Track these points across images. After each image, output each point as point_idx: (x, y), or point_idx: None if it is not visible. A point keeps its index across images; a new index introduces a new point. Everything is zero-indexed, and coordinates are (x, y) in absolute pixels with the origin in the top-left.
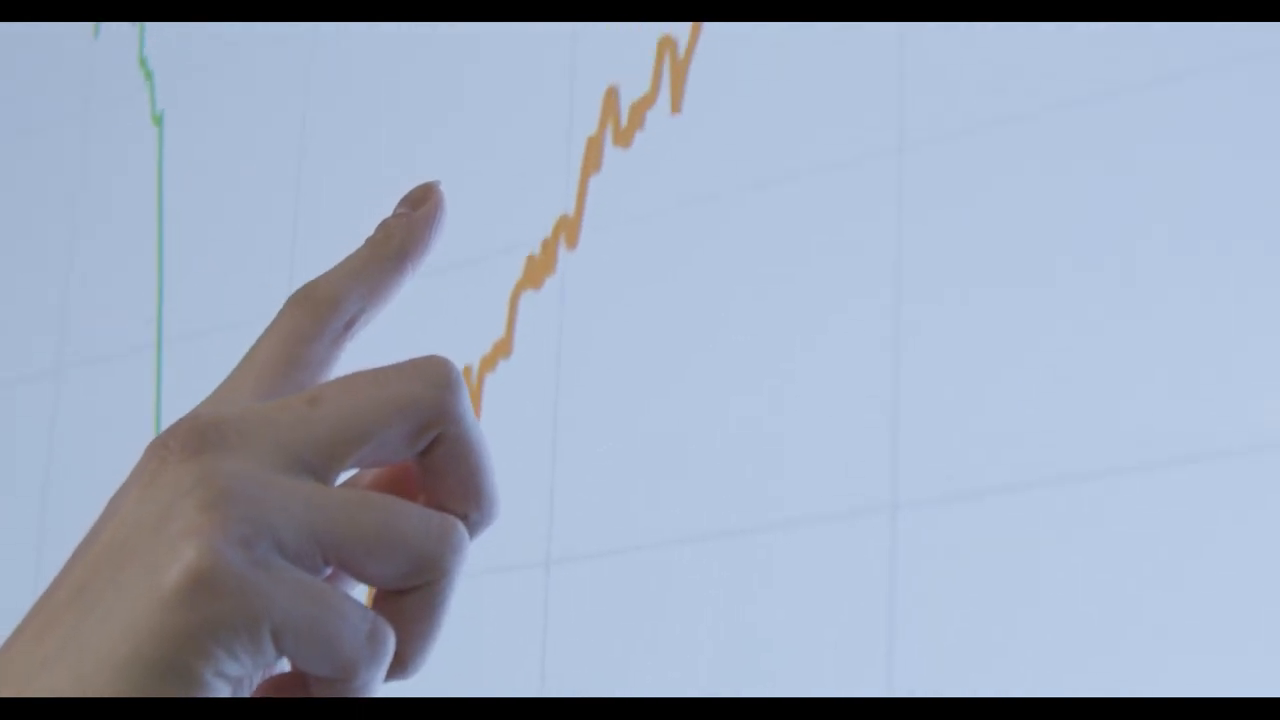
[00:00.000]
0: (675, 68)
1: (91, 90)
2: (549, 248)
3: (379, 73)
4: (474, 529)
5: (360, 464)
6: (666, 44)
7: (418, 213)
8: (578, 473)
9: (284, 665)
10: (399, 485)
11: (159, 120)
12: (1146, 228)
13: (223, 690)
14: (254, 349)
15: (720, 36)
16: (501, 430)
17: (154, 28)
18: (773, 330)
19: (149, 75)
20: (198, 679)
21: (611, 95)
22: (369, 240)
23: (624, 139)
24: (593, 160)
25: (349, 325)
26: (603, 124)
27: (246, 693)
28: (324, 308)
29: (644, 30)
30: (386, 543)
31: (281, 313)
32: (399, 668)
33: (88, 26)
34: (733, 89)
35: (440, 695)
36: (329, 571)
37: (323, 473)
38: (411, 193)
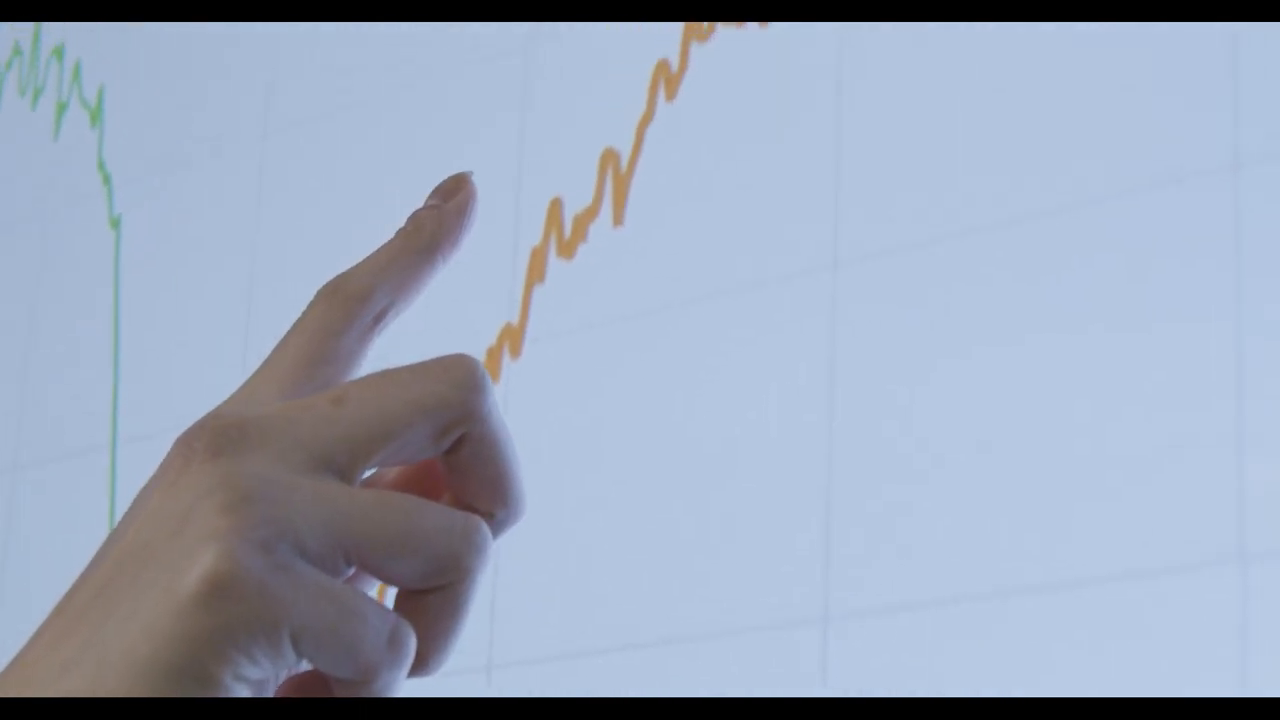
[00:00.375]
0: (617, 180)
1: (50, 191)
2: (494, 356)
3: (330, 180)
4: (499, 527)
5: (384, 463)
6: (609, 157)
7: (449, 204)
8: (517, 577)
9: (306, 664)
10: (425, 482)
11: (116, 223)
12: (1067, 347)
13: (243, 693)
14: (281, 344)
15: (662, 150)
16: None
17: (113, 132)
18: (709, 443)
19: (107, 178)
20: (217, 683)
21: (556, 207)
22: (400, 232)
23: (567, 250)
24: (537, 270)
25: (378, 319)
26: (546, 235)
27: (269, 693)
28: (352, 302)
29: (588, 143)
30: (408, 544)
31: (309, 307)
32: (420, 666)
33: (48, 128)
34: (673, 203)
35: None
36: (351, 571)
37: (346, 472)
38: (443, 184)
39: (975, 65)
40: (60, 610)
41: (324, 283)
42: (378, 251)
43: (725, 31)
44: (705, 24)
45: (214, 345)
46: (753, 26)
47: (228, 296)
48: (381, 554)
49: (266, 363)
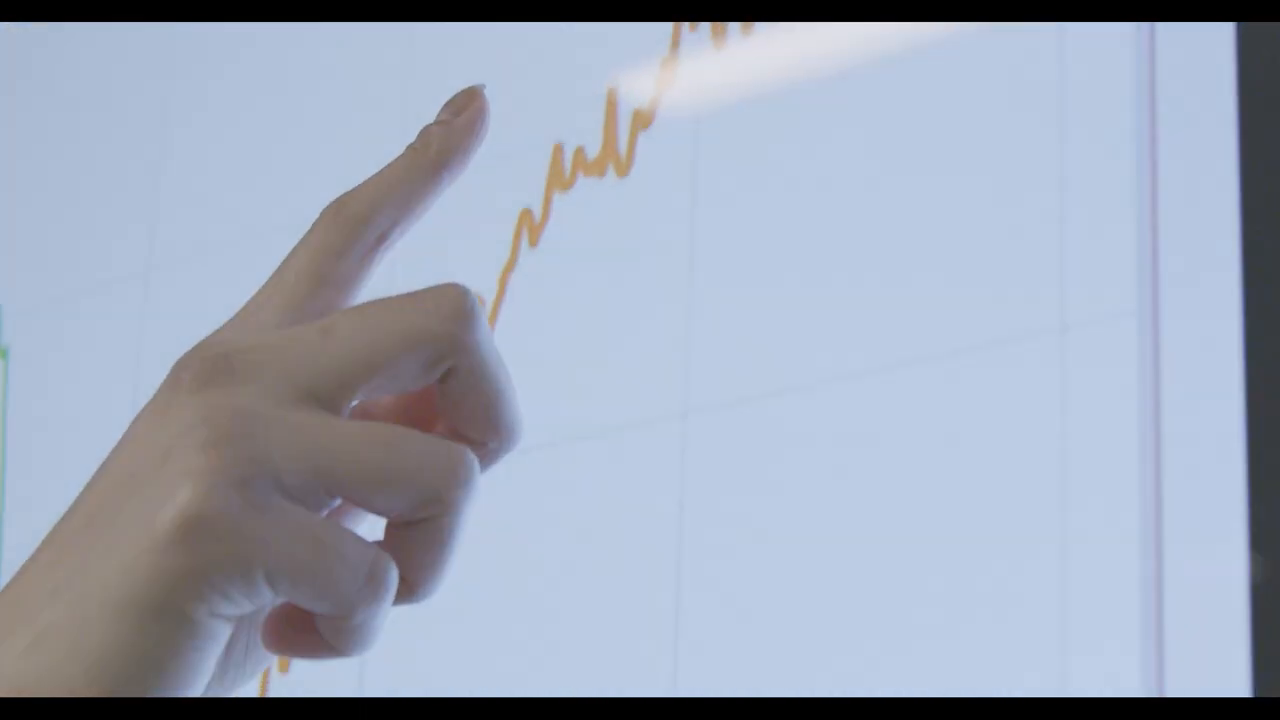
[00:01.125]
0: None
1: None
2: None
3: (214, 314)
4: (492, 455)
5: (373, 394)
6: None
7: (458, 120)
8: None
9: None
10: (420, 408)
11: (4, 354)
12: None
13: (223, 629)
14: (284, 265)
15: (522, 300)
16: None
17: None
18: (552, 588)
19: None
20: (194, 620)
21: None
22: (408, 148)
23: None
24: None
25: (380, 240)
26: None
27: (255, 627)
28: (355, 222)
29: None
30: (390, 478)
31: (313, 227)
32: (408, 594)
33: None
34: (537, 347)
35: None
36: (337, 503)
37: (332, 403)
38: (454, 98)
39: (822, 220)
40: (55, 533)
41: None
42: (383, 169)
43: (586, 181)
44: (566, 173)
45: None
46: (611, 175)
47: (113, 426)
48: (363, 488)
49: (269, 283)
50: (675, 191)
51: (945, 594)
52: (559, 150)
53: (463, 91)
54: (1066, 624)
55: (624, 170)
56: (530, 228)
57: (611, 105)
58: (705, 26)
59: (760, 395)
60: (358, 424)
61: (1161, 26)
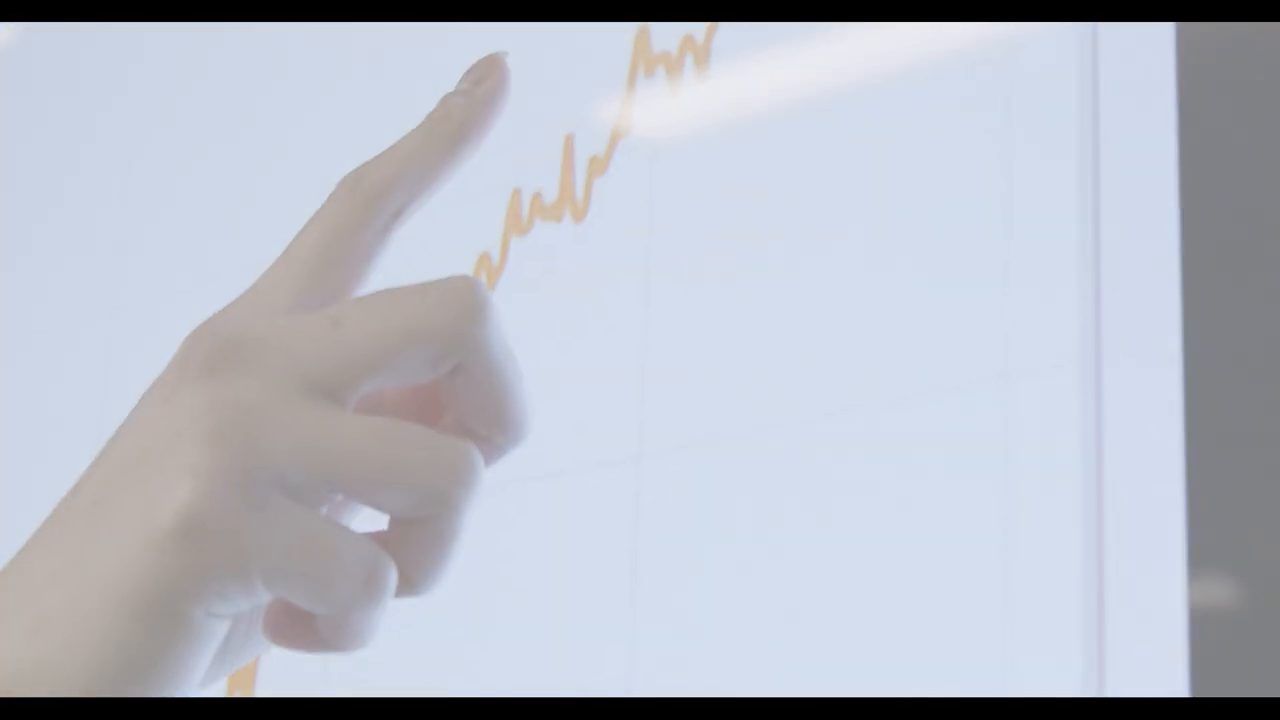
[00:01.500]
0: None
1: None
2: None
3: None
4: (497, 451)
5: (380, 387)
6: None
7: (479, 89)
8: None
9: None
10: (428, 398)
11: None
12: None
13: (219, 627)
14: (298, 239)
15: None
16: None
17: None
18: (504, 631)
19: None
20: (190, 619)
21: None
22: (428, 118)
23: None
24: None
25: (396, 214)
26: None
27: (255, 622)
28: (371, 197)
29: None
30: (391, 476)
31: (328, 201)
32: (408, 589)
33: None
34: None
35: None
36: (340, 497)
37: (339, 396)
38: (475, 66)
39: (776, 265)
40: (61, 510)
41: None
42: (402, 141)
43: (543, 226)
44: (524, 218)
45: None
46: (568, 221)
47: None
48: (365, 486)
49: (282, 257)
50: (631, 236)
51: (890, 647)
52: (517, 195)
53: (484, 59)
54: (1009, 673)
55: (580, 215)
56: (489, 271)
57: (568, 150)
58: (660, 71)
59: (714, 438)
60: (362, 419)
61: (1106, 78)
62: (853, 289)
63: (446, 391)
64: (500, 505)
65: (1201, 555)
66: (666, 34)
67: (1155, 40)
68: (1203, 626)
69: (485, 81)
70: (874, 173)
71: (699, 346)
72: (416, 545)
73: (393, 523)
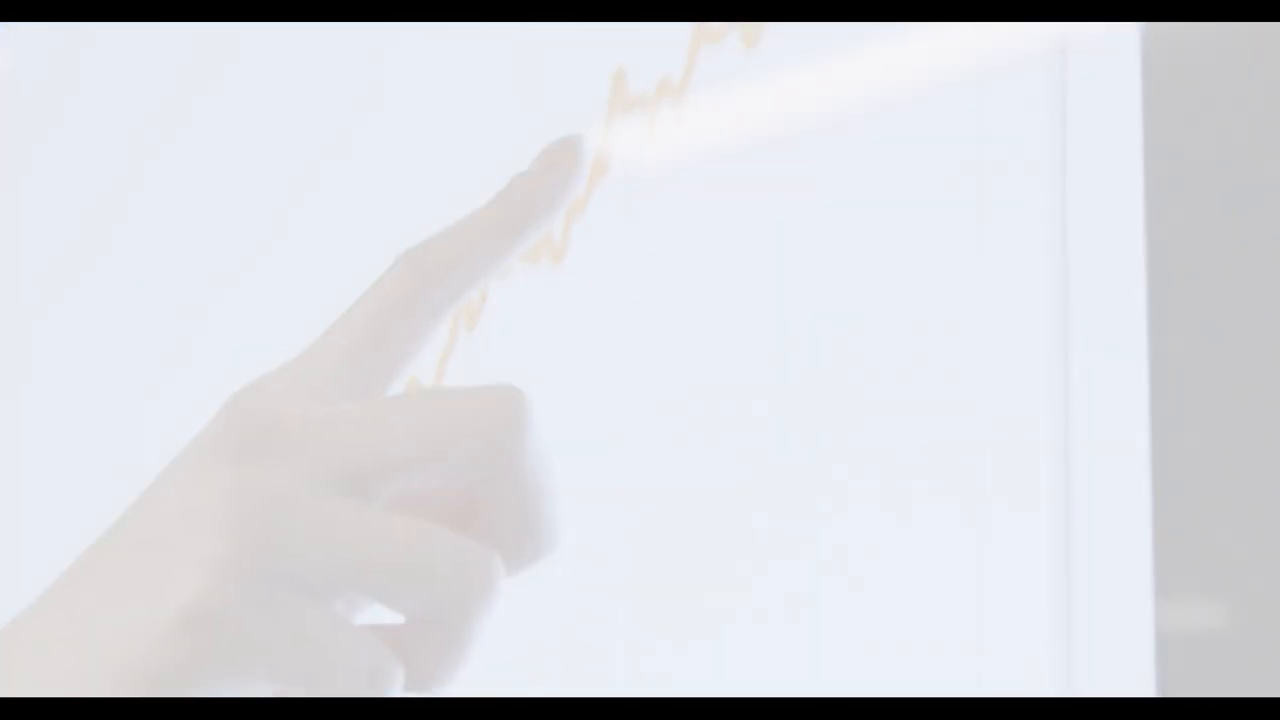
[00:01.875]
0: None
1: None
2: None
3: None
4: (524, 561)
5: (412, 485)
6: (411, 385)
7: (548, 176)
8: None
9: None
10: (463, 497)
11: None
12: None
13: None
14: (350, 311)
15: (461, 379)
16: None
17: None
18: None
19: None
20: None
21: None
22: (497, 200)
23: None
24: None
25: (454, 298)
26: None
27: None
28: (429, 281)
29: None
30: (411, 580)
31: (385, 275)
32: (419, 685)
33: None
34: None
35: None
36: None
37: (368, 492)
38: (551, 147)
39: (749, 312)
40: (81, 565)
41: (405, 250)
42: (467, 221)
43: (521, 268)
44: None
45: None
46: (546, 263)
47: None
48: (382, 588)
49: (333, 330)
50: (608, 277)
51: (866, 664)
52: None
53: (561, 141)
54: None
55: (559, 257)
56: (468, 313)
57: None
58: (637, 113)
59: (695, 471)
60: (388, 519)
61: (1074, 135)
62: (831, 318)
63: (481, 495)
64: None
65: (1171, 579)
66: (643, 75)
67: (1121, 50)
68: (1171, 646)
69: (558, 167)
70: (851, 204)
71: (674, 382)
72: (430, 645)
73: (409, 620)
